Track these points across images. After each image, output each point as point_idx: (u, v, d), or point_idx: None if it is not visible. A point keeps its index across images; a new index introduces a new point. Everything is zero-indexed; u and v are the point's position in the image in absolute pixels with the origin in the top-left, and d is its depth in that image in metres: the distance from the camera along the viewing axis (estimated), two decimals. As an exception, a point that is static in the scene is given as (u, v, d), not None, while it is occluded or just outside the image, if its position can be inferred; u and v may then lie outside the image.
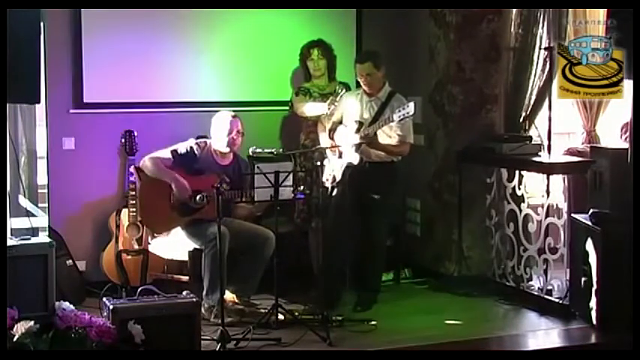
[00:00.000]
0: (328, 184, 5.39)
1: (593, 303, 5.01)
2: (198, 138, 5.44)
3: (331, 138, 5.47)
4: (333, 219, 5.36)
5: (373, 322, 5.09)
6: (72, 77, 5.75)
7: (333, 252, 5.37)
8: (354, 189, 5.36)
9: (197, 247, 5.19)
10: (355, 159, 5.26)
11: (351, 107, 5.47)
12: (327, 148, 5.41)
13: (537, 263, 5.56)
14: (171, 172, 5.22)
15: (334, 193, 5.39)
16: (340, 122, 5.51)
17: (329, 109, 5.47)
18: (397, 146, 5.36)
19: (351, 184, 5.34)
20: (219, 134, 5.30)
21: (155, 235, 5.42)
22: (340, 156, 5.37)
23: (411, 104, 5.06)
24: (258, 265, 5.23)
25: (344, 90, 5.57)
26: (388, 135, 5.34)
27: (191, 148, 5.31)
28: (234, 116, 5.34)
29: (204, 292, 5.06)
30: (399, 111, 5.09)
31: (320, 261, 5.28)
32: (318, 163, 5.35)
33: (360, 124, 5.32)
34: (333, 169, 5.38)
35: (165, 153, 5.28)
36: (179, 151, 5.28)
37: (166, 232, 5.32)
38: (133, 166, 5.54)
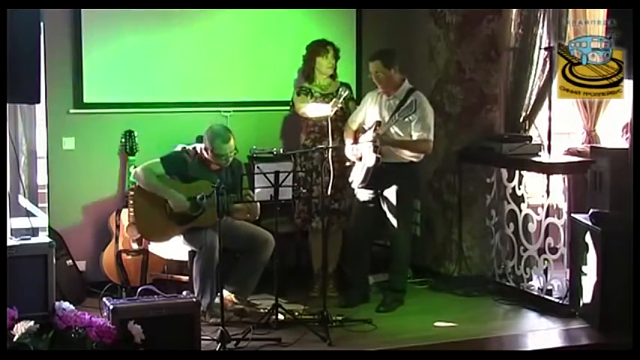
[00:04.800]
0: (355, 186, 5.45)
1: (593, 303, 5.01)
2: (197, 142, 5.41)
3: (356, 140, 5.48)
4: (358, 219, 5.54)
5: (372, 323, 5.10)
6: (72, 77, 5.75)
7: (359, 251, 5.58)
8: (374, 188, 5.43)
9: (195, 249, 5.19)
10: (371, 160, 5.28)
11: (371, 107, 5.50)
12: (327, 148, 5.40)
13: (537, 263, 5.56)
14: (165, 187, 5.13)
15: (359, 194, 5.50)
16: (363, 124, 5.54)
17: (332, 110, 5.47)
18: (416, 143, 5.36)
19: (370, 185, 5.40)
20: (210, 155, 5.16)
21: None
22: (361, 158, 5.40)
23: (413, 100, 5.17)
24: (256, 267, 5.23)
25: (347, 91, 5.57)
26: (409, 134, 5.36)
27: (181, 155, 5.24)
28: (225, 140, 5.13)
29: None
30: (404, 109, 5.19)
31: (348, 260, 5.68)
32: (348, 164, 5.42)
33: (379, 123, 5.33)
34: (357, 172, 5.43)
35: (156, 162, 5.20)
36: (169, 159, 5.21)
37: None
38: (132, 167, 5.54)
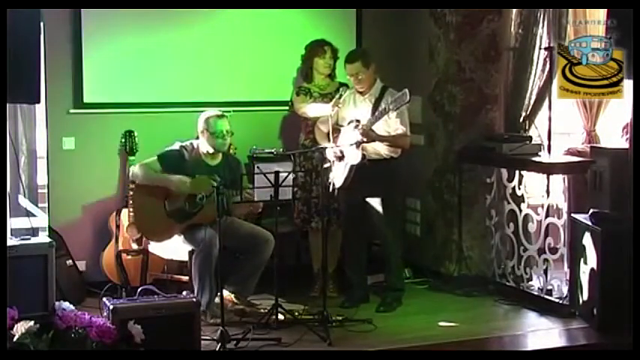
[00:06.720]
0: (336, 186, 5.40)
1: (593, 303, 5.01)
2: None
3: (332, 141, 5.45)
4: (350, 220, 5.54)
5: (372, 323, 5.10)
6: (72, 77, 5.75)
7: (355, 252, 5.57)
8: (356, 187, 5.38)
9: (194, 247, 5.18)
10: (356, 158, 5.26)
11: (346, 107, 5.49)
12: (327, 148, 5.39)
13: (537, 263, 5.56)
14: (162, 175, 5.13)
15: (343, 194, 5.45)
16: (337, 123, 5.51)
17: (332, 110, 5.45)
18: (397, 138, 5.36)
19: (352, 184, 5.36)
20: (207, 137, 5.19)
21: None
22: (342, 158, 5.37)
23: (406, 91, 5.09)
24: (256, 267, 5.22)
25: (347, 91, 5.57)
26: (387, 131, 5.35)
27: (178, 151, 5.23)
28: (219, 116, 5.23)
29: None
30: (395, 100, 5.14)
31: (346, 261, 5.66)
32: (326, 165, 5.35)
33: (358, 121, 5.32)
34: (338, 171, 5.38)
35: (153, 160, 5.20)
36: (167, 156, 5.21)
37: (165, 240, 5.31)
38: (131, 167, 5.54)
